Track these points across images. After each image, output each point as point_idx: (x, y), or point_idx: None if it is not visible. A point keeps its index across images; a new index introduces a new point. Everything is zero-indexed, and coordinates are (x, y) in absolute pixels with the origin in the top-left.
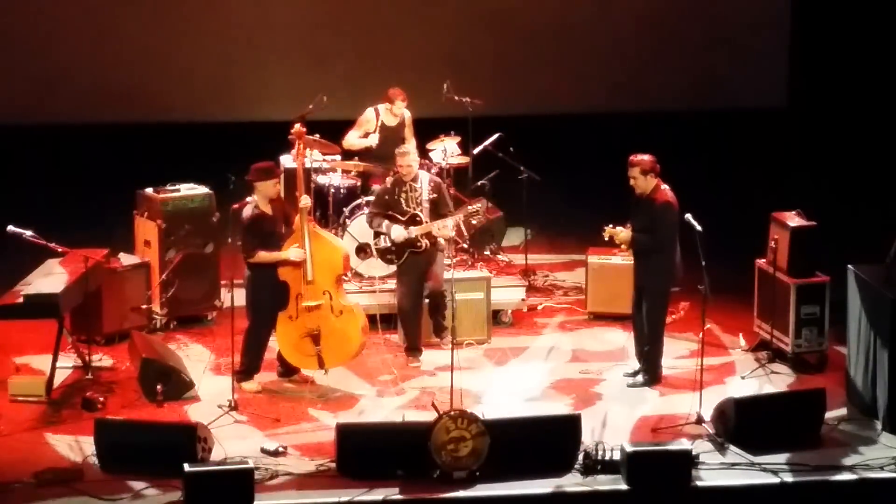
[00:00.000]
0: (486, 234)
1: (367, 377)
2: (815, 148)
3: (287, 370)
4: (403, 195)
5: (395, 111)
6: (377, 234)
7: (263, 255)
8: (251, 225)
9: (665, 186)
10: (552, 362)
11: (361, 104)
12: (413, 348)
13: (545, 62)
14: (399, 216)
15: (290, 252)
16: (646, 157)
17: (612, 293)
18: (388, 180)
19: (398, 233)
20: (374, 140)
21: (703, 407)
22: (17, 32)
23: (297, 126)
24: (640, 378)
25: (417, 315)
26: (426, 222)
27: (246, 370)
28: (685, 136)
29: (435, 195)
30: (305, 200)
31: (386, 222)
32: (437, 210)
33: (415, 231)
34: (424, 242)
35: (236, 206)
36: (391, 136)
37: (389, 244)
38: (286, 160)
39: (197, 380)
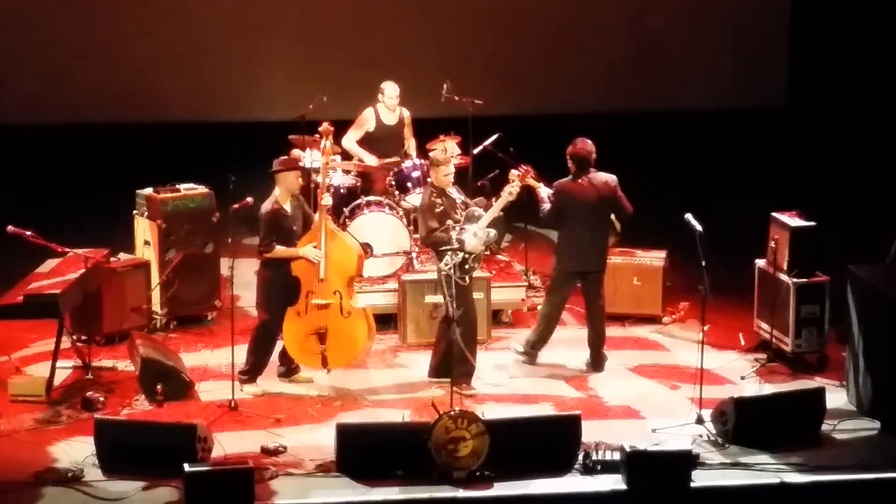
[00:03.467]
0: None
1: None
2: (814, 148)
3: (288, 370)
4: (448, 203)
5: (388, 102)
6: (441, 256)
7: (281, 251)
8: (270, 220)
9: (576, 177)
10: (552, 362)
11: (361, 104)
12: (468, 374)
13: (545, 62)
14: (454, 226)
15: (307, 250)
16: (574, 144)
17: (612, 293)
18: (427, 194)
19: (474, 239)
20: (373, 161)
21: (702, 407)
22: (18, 32)
23: (325, 124)
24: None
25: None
26: (483, 209)
27: (251, 370)
28: (685, 136)
29: (463, 196)
30: (326, 199)
31: (455, 235)
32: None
33: (483, 223)
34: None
35: (236, 205)
36: (390, 135)
37: (461, 258)
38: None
39: (197, 380)
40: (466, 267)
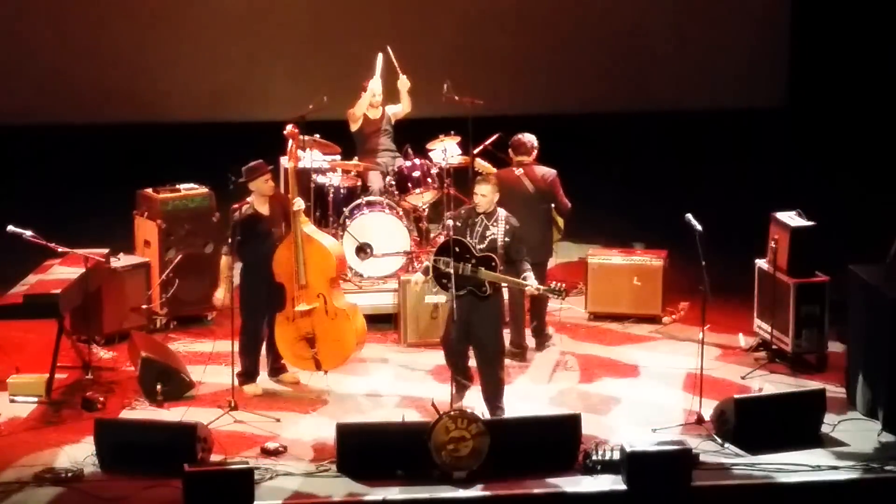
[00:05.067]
0: None
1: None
2: (815, 148)
3: (273, 370)
4: (470, 228)
5: (372, 100)
6: (440, 253)
7: (223, 263)
8: (239, 224)
9: (512, 167)
10: (552, 362)
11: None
12: (462, 386)
13: (545, 62)
14: (470, 248)
15: (218, 292)
16: (516, 136)
17: (611, 293)
18: (462, 210)
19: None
20: (359, 112)
21: (702, 407)
22: (17, 32)
23: (290, 127)
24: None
25: (464, 353)
26: (500, 271)
27: (246, 372)
28: (686, 136)
29: (508, 239)
30: (298, 203)
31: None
32: (508, 255)
33: (484, 275)
34: (488, 289)
35: (236, 205)
36: (376, 130)
37: (451, 271)
38: (286, 161)
39: (197, 380)
40: (444, 281)
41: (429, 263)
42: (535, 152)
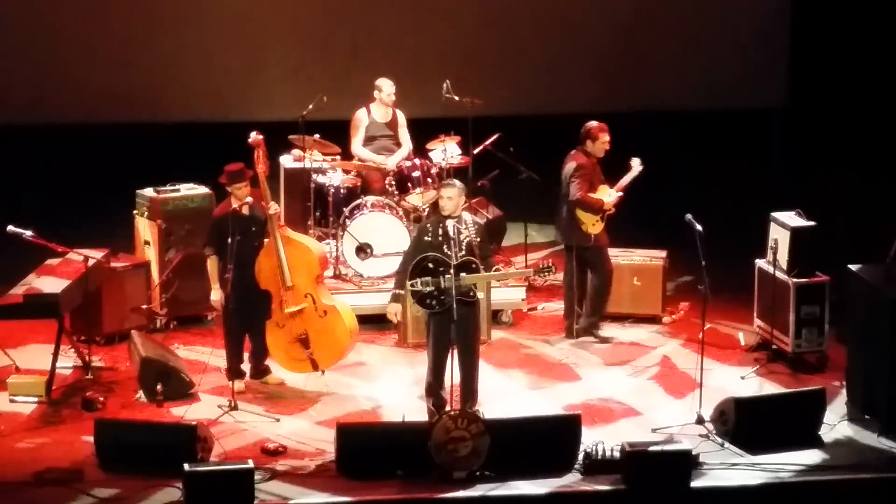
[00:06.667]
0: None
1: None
2: (815, 148)
3: (257, 372)
4: (442, 236)
5: (385, 99)
6: (414, 276)
7: (210, 265)
8: (216, 221)
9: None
10: (552, 362)
11: (360, 104)
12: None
13: (545, 62)
14: (444, 260)
15: (213, 293)
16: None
17: (612, 293)
18: (429, 224)
19: (449, 282)
20: (391, 162)
21: (703, 407)
22: (18, 32)
23: (254, 134)
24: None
25: (443, 373)
26: (482, 271)
27: (230, 369)
28: (685, 136)
29: (479, 239)
30: (274, 207)
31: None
32: (480, 253)
33: (468, 279)
34: (476, 293)
35: (236, 205)
36: (382, 133)
37: (433, 289)
38: (286, 160)
39: (197, 380)
40: (428, 301)
41: (398, 291)
42: (588, 141)
